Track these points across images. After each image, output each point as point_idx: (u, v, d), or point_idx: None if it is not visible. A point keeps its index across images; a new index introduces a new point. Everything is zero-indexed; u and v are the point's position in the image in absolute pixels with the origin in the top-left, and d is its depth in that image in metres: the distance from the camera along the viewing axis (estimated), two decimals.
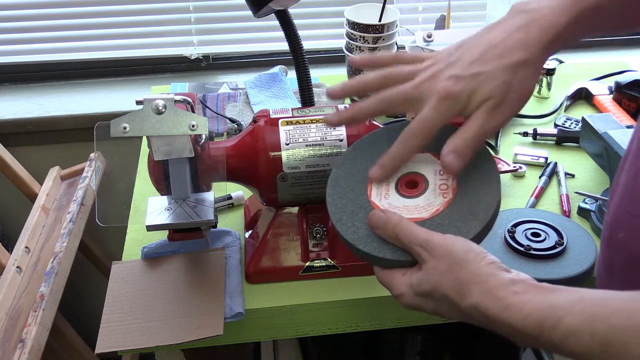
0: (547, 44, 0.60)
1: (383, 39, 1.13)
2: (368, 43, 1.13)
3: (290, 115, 0.80)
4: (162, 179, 0.75)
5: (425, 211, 0.63)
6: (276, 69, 1.29)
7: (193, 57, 1.48)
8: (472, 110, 0.60)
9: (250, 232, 0.89)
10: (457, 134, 0.60)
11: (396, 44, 1.18)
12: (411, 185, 0.65)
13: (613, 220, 0.59)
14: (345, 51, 1.17)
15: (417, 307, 0.59)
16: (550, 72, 1.21)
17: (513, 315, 0.50)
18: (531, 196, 0.96)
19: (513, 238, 0.83)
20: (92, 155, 1.40)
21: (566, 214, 0.93)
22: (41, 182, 1.40)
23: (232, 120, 1.14)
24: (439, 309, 0.57)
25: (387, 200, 0.64)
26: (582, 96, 1.22)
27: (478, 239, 0.61)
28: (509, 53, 0.59)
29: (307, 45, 0.88)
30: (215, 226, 0.78)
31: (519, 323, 0.50)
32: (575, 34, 0.61)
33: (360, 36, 1.12)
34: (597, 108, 1.19)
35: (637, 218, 0.55)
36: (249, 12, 0.84)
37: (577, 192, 0.96)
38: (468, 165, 0.62)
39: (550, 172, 1.01)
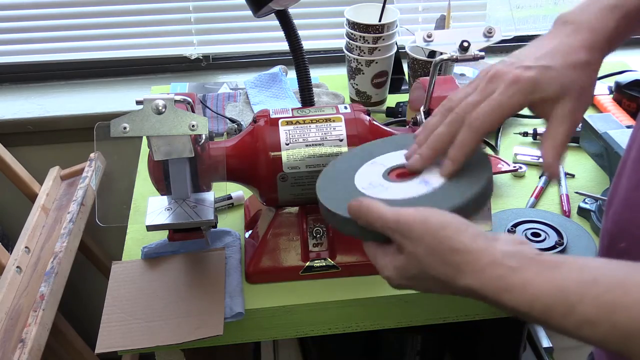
0: (603, 46, 0.59)
1: (383, 39, 1.13)
2: (368, 43, 1.13)
3: (290, 115, 0.80)
4: (162, 179, 0.75)
5: (418, 189, 0.60)
6: (276, 69, 1.29)
7: (193, 57, 1.48)
8: (548, 107, 0.58)
9: (250, 232, 0.89)
10: (548, 141, 0.58)
11: (396, 44, 1.18)
12: (402, 175, 0.63)
13: (614, 229, 0.58)
14: (345, 51, 1.17)
15: (408, 287, 0.55)
16: None
17: (516, 298, 0.46)
18: (531, 196, 0.96)
19: None
20: (92, 155, 1.40)
21: (566, 214, 0.93)
22: (41, 182, 1.40)
23: (232, 120, 1.14)
24: (431, 289, 0.54)
25: (375, 187, 0.62)
26: None
27: (463, 211, 0.56)
28: (573, 52, 0.58)
29: (307, 45, 0.88)
30: (215, 226, 0.78)
31: (523, 305, 0.46)
32: (620, 38, 0.61)
33: (360, 36, 1.12)
34: (597, 108, 1.19)
35: (638, 227, 0.54)
36: (249, 12, 0.84)
37: (577, 192, 0.96)
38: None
39: None
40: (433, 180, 0.61)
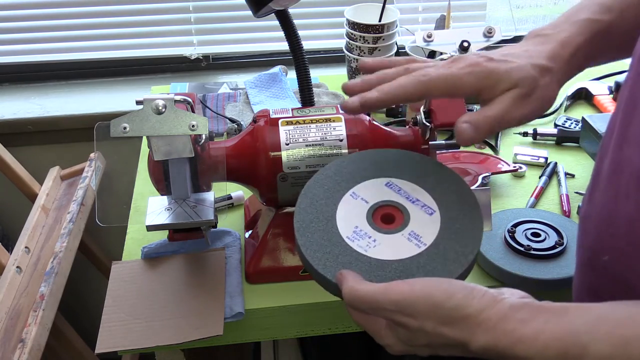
0: (569, 57, 0.61)
1: (383, 39, 1.13)
2: (368, 43, 1.13)
3: (290, 115, 0.80)
4: (162, 179, 0.75)
5: (410, 248, 0.58)
6: (276, 69, 1.29)
7: (193, 57, 1.48)
8: (496, 94, 0.59)
9: (250, 232, 0.89)
10: (476, 111, 0.59)
11: (396, 44, 1.18)
12: (387, 219, 0.61)
13: (596, 244, 0.57)
14: (345, 51, 1.17)
15: (412, 353, 0.54)
16: None
17: (528, 348, 0.46)
18: (531, 196, 0.96)
19: (513, 238, 0.83)
20: (92, 155, 1.40)
21: (566, 214, 0.93)
22: (41, 182, 1.40)
23: (232, 120, 1.14)
24: (439, 353, 0.53)
25: (362, 238, 0.59)
26: (582, 96, 1.22)
27: (464, 274, 0.56)
28: (537, 57, 0.60)
29: (307, 45, 0.88)
30: (215, 226, 0.78)
31: (537, 355, 0.46)
32: (594, 54, 0.62)
33: (360, 36, 1.12)
34: (597, 108, 1.19)
35: (620, 239, 0.53)
36: (249, 12, 0.84)
37: (577, 192, 0.96)
38: (451, 199, 0.61)
39: (550, 172, 1.01)
40: (422, 232, 0.59)
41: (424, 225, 0.59)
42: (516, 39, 1.38)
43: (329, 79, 1.30)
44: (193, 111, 0.72)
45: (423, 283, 0.51)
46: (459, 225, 0.59)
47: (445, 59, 0.66)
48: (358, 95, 0.61)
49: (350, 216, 0.61)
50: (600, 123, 0.98)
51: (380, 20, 1.14)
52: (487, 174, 0.96)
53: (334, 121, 0.79)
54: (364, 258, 0.58)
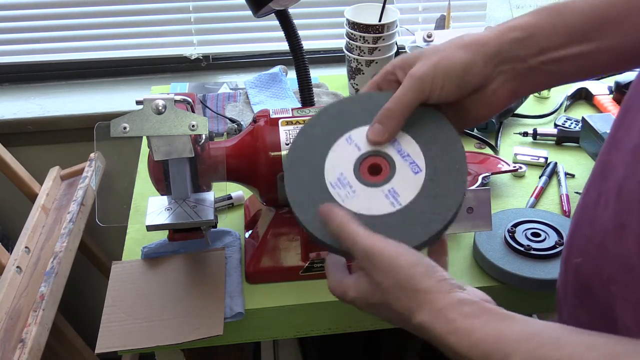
0: (492, 55, 0.58)
1: (383, 39, 1.13)
2: (368, 43, 1.13)
3: (290, 115, 0.80)
4: (162, 179, 0.75)
5: (384, 205, 0.58)
6: (276, 69, 1.29)
7: (193, 57, 1.48)
8: (403, 67, 0.62)
9: (250, 232, 0.89)
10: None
11: (396, 44, 1.18)
12: (374, 170, 0.61)
13: (571, 243, 0.58)
14: (345, 51, 1.17)
15: (371, 313, 0.57)
16: None
17: (459, 341, 0.48)
18: (531, 196, 0.96)
19: (513, 238, 0.83)
20: (92, 155, 1.40)
21: (566, 214, 0.93)
22: (41, 182, 1.40)
23: (232, 120, 1.14)
24: (390, 320, 0.55)
25: (344, 186, 0.60)
26: (582, 96, 1.22)
27: (433, 240, 0.57)
28: (455, 42, 0.60)
29: (307, 45, 0.88)
30: (215, 226, 0.78)
31: (463, 349, 0.47)
32: (532, 59, 0.59)
33: (360, 36, 1.12)
34: (597, 108, 1.19)
35: (592, 244, 0.53)
36: (249, 12, 0.84)
37: (577, 192, 0.96)
38: (440, 161, 0.60)
39: (550, 172, 1.01)
40: (402, 191, 0.59)
41: (406, 183, 0.59)
42: None
43: (329, 79, 1.30)
44: (193, 111, 0.72)
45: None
46: (439, 189, 0.58)
47: None
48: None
49: (340, 162, 0.61)
50: (600, 123, 0.98)
51: (380, 20, 1.14)
52: (487, 174, 0.96)
53: None
54: (341, 207, 0.59)
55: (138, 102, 0.68)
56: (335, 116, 0.64)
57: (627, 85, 1.16)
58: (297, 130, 0.78)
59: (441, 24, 1.25)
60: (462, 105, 0.61)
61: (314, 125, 0.64)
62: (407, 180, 0.59)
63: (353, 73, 1.18)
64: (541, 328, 0.46)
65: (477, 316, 0.48)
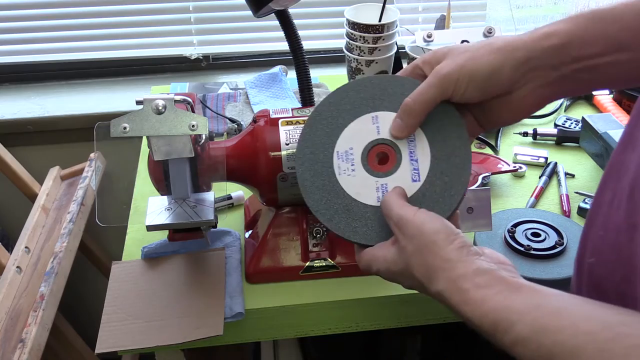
0: (523, 60, 0.58)
1: (383, 39, 1.13)
2: (368, 43, 1.13)
3: (290, 115, 0.80)
4: (162, 179, 0.75)
5: (371, 197, 0.60)
6: (276, 69, 1.29)
7: (193, 57, 1.48)
8: (430, 63, 0.62)
9: (250, 232, 0.89)
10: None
11: (396, 44, 1.18)
12: (381, 158, 0.61)
13: (585, 243, 0.58)
14: (345, 51, 1.17)
15: (396, 282, 0.59)
16: None
17: (472, 311, 0.50)
18: (531, 196, 0.96)
19: (513, 238, 0.83)
20: (92, 155, 1.40)
21: (566, 214, 0.93)
22: (41, 182, 1.40)
23: (232, 120, 1.14)
24: (413, 287, 0.57)
25: (347, 161, 0.61)
26: (582, 96, 1.22)
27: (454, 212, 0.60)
28: (486, 43, 0.60)
29: (307, 45, 0.88)
30: (215, 226, 0.78)
31: (476, 319, 0.50)
32: (565, 69, 0.58)
33: (360, 36, 1.12)
34: (597, 108, 1.19)
35: (606, 244, 0.53)
36: (249, 12, 0.84)
37: (577, 192, 0.96)
38: (438, 135, 0.60)
39: (550, 172, 1.01)
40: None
41: (400, 187, 0.61)
42: None
43: (329, 79, 1.30)
44: (193, 111, 0.72)
45: (425, 214, 0.56)
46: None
47: None
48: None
49: (356, 136, 0.62)
50: (600, 123, 0.98)
51: (380, 20, 1.14)
52: (487, 174, 0.96)
53: None
54: (332, 179, 0.61)
55: (138, 102, 0.68)
56: (375, 86, 0.64)
57: None
58: (297, 131, 0.78)
59: (441, 24, 1.25)
60: (488, 107, 0.61)
61: (349, 89, 0.64)
62: (403, 184, 0.60)
63: (353, 73, 1.18)
64: (546, 299, 0.48)
65: (490, 287, 0.50)
